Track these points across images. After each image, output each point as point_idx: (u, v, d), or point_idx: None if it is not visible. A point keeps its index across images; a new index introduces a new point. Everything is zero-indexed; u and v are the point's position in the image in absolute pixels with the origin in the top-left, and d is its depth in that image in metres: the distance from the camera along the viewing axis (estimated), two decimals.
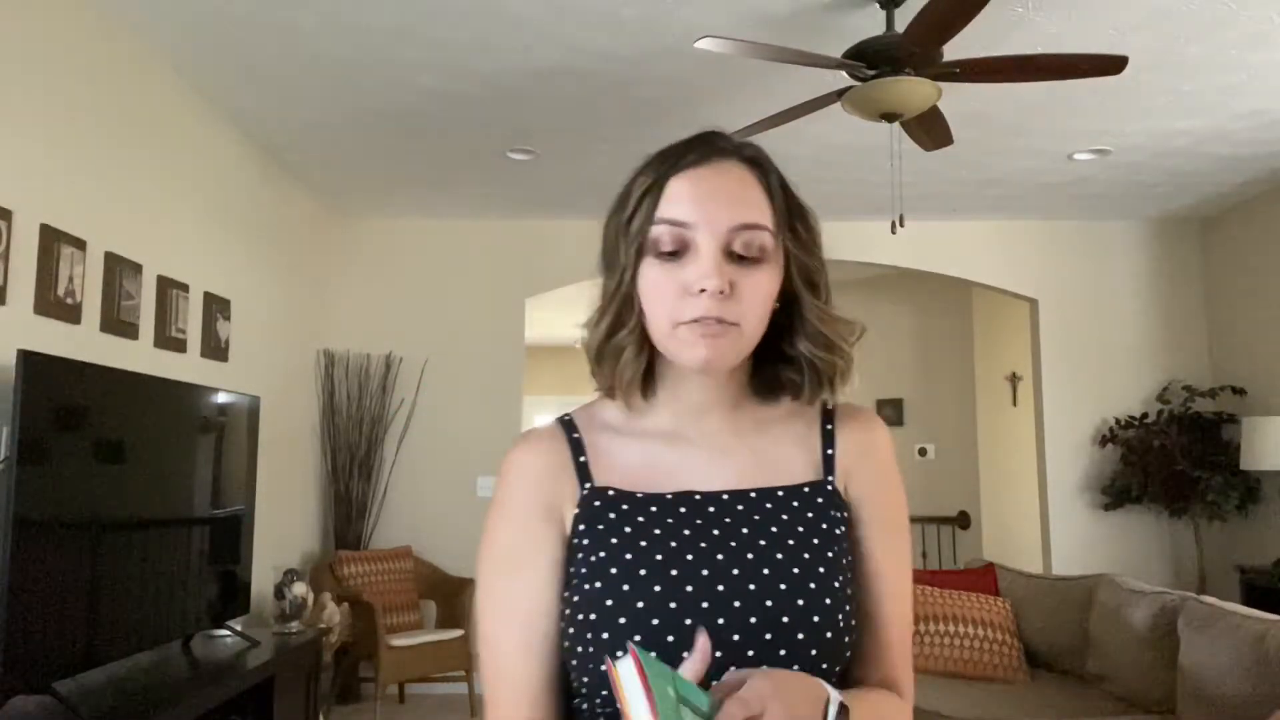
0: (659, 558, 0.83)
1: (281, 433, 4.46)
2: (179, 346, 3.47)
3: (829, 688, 0.75)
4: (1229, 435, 5.04)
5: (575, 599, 0.83)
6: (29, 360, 2.23)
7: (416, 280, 5.43)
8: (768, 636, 0.80)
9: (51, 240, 2.69)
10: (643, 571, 0.82)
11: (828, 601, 0.82)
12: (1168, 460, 5.02)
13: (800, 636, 0.80)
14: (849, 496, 0.91)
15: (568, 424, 0.94)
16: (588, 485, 0.89)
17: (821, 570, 0.84)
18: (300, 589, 3.69)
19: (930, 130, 3.17)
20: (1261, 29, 3.11)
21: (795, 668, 0.78)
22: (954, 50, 2.71)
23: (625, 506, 0.87)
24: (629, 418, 0.93)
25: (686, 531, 0.85)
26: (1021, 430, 6.12)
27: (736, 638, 0.80)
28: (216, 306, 3.79)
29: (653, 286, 0.85)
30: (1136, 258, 5.58)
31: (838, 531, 0.88)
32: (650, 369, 0.90)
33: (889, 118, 2.81)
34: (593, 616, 0.81)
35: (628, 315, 0.86)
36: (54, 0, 2.78)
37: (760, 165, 0.89)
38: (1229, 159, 4.45)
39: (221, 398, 3.38)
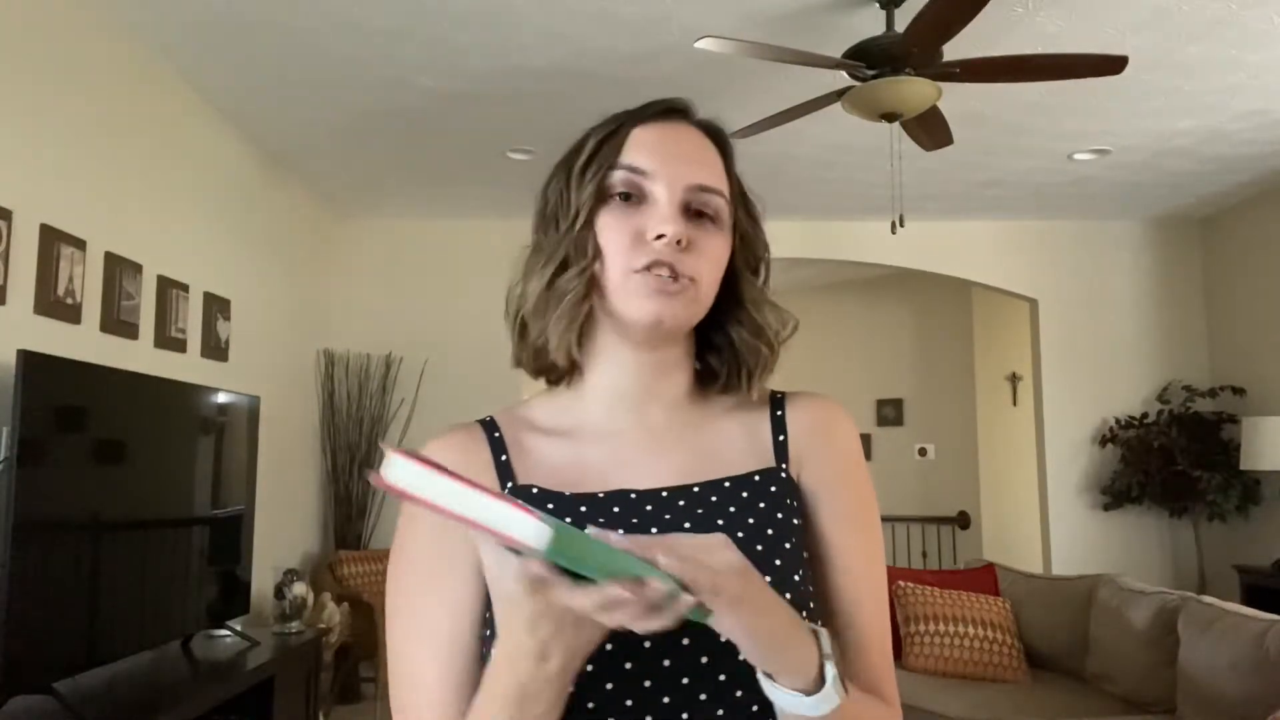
0: None
1: (281, 433, 4.46)
2: (179, 346, 3.46)
3: (823, 641, 0.67)
4: (1229, 435, 5.03)
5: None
6: (29, 360, 2.23)
7: (416, 280, 5.43)
8: (723, 639, 0.68)
9: (51, 240, 2.69)
10: None
11: (787, 596, 0.71)
12: (1168, 460, 5.02)
13: None
14: (803, 484, 0.83)
15: (488, 423, 0.85)
16: (509, 485, 0.80)
17: (778, 563, 0.76)
18: (300, 589, 3.68)
19: (930, 130, 3.17)
20: (1261, 29, 3.11)
21: (741, 657, 0.70)
22: (954, 50, 2.71)
23: (551, 506, 0.77)
24: (557, 414, 0.85)
25: (621, 532, 0.74)
26: (1021, 430, 6.12)
27: (686, 641, 0.72)
28: (216, 306, 3.79)
29: (608, 230, 0.79)
30: (1136, 258, 5.58)
31: (795, 521, 0.80)
32: (588, 347, 0.82)
33: (889, 118, 2.81)
34: None
35: (577, 258, 0.79)
36: (54, 0, 2.78)
37: (720, 141, 0.87)
38: (1229, 159, 4.45)
39: (221, 398, 3.38)
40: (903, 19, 2.72)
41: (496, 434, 0.84)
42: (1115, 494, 5.26)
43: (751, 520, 0.78)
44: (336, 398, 5.15)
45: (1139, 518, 5.36)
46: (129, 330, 3.12)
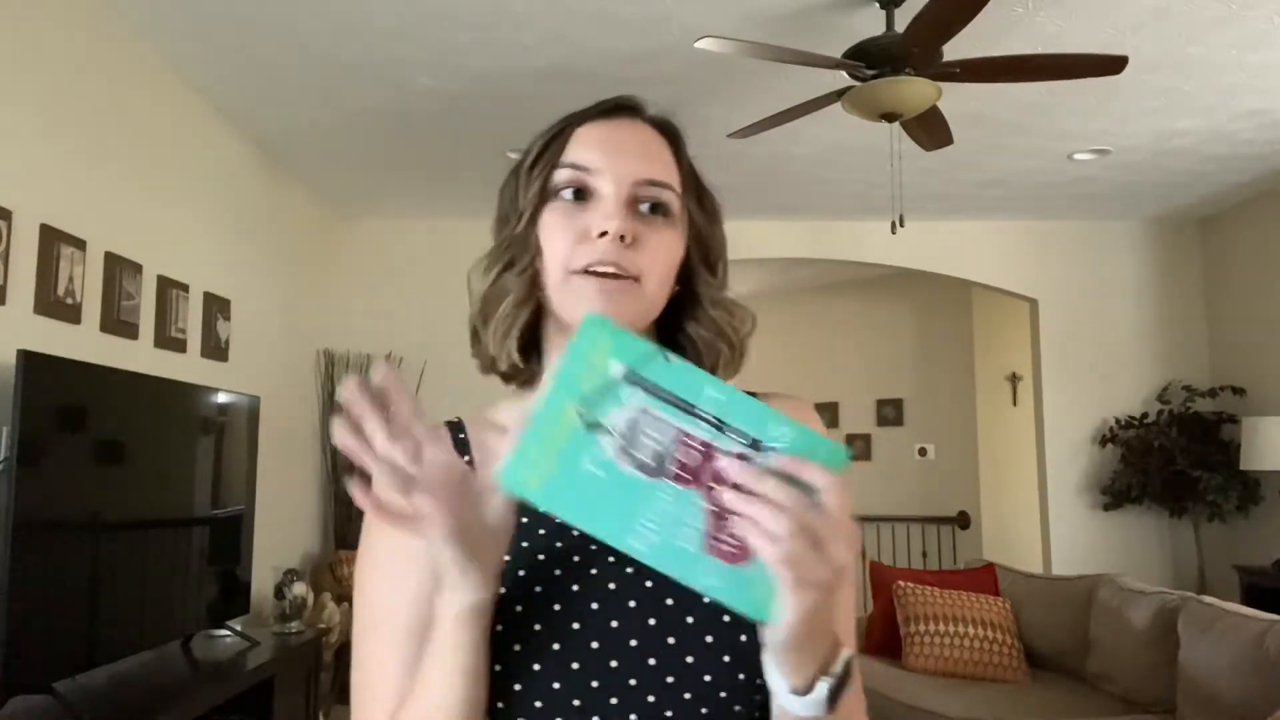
0: (558, 573, 0.75)
1: (281, 433, 4.46)
2: (179, 346, 3.46)
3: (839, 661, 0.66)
4: (1229, 435, 5.03)
5: None
6: (29, 360, 2.23)
7: (416, 280, 5.43)
8: (689, 621, 0.72)
9: (51, 240, 2.69)
10: (538, 588, 0.74)
11: None
12: (1168, 460, 5.02)
13: (725, 620, 0.73)
14: None
15: (454, 424, 0.85)
16: None
17: None
18: (300, 589, 3.68)
19: (930, 130, 3.17)
20: (1261, 29, 3.11)
21: (726, 659, 0.72)
22: (954, 50, 2.71)
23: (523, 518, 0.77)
24: (521, 415, 0.84)
25: (575, 532, 0.73)
26: (1021, 430, 6.12)
27: (653, 621, 0.73)
28: (216, 306, 3.79)
29: (550, 229, 0.77)
30: (1136, 258, 5.58)
31: None
32: (538, 348, 0.82)
33: (889, 118, 2.81)
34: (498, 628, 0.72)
35: (520, 257, 0.78)
36: (54, 1, 2.78)
37: (672, 135, 0.85)
38: (1229, 159, 4.45)
39: (221, 398, 3.38)
40: (903, 19, 2.72)
41: (462, 435, 0.84)
42: (1115, 494, 5.26)
43: None
44: (336, 398, 5.14)
45: (1139, 518, 5.36)
46: (129, 330, 3.11)
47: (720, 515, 0.56)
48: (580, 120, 0.82)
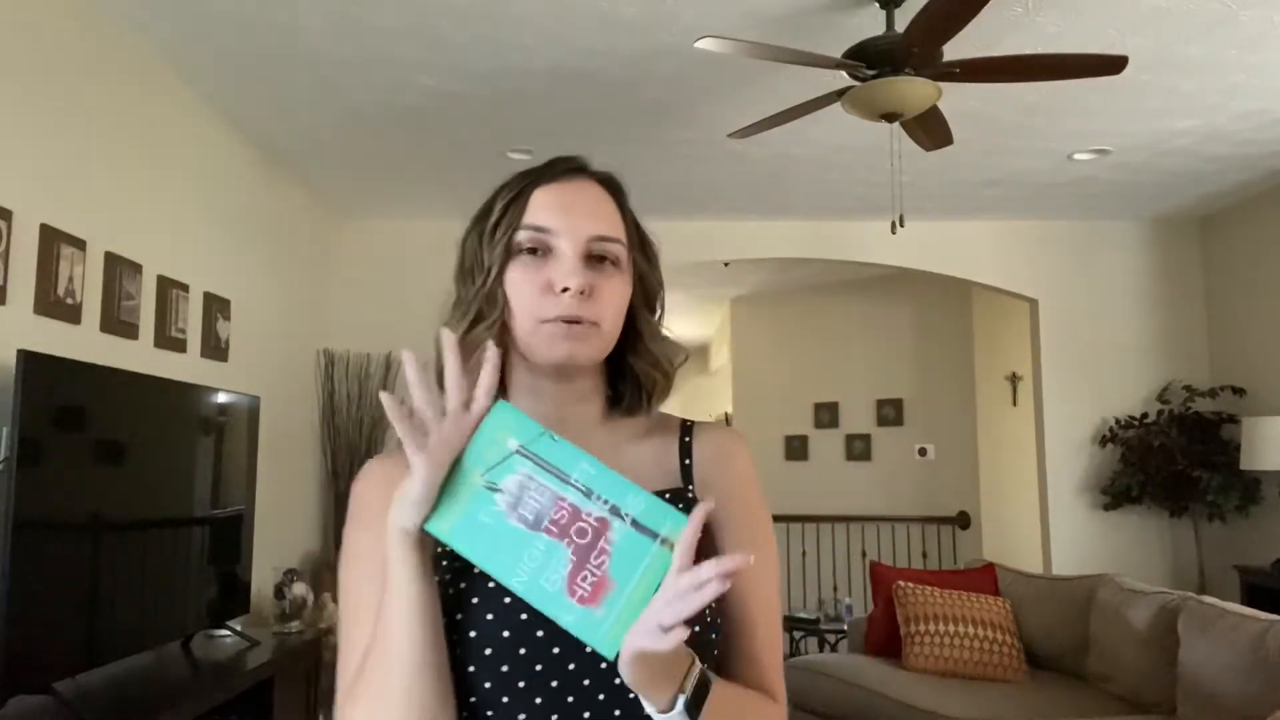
0: (507, 600, 0.84)
1: (281, 433, 4.46)
2: (179, 346, 3.47)
3: (690, 677, 0.75)
4: (1229, 435, 5.03)
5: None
6: (29, 360, 2.23)
7: (416, 280, 5.42)
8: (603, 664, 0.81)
9: (51, 240, 2.69)
10: (508, 599, 0.83)
11: None
12: (1168, 460, 5.02)
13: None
14: None
15: None
16: None
17: None
18: (300, 589, 3.69)
19: (930, 130, 3.17)
20: (1261, 29, 3.11)
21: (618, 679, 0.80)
22: (954, 50, 2.71)
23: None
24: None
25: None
26: (1021, 430, 6.12)
27: (590, 648, 0.81)
28: (216, 306, 3.79)
29: (517, 285, 0.88)
30: (1136, 258, 5.58)
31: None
32: (503, 382, 0.92)
33: (889, 118, 2.81)
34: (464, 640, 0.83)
35: (489, 312, 0.89)
36: (54, 1, 2.78)
37: (614, 189, 0.97)
38: (1229, 159, 4.45)
39: (221, 398, 3.38)
40: (903, 19, 2.72)
41: None
42: (1115, 494, 5.26)
43: None
44: (336, 398, 5.15)
45: (1139, 518, 5.36)
46: (129, 330, 3.12)
47: (580, 565, 0.70)
48: (537, 182, 0.92)
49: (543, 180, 0.92)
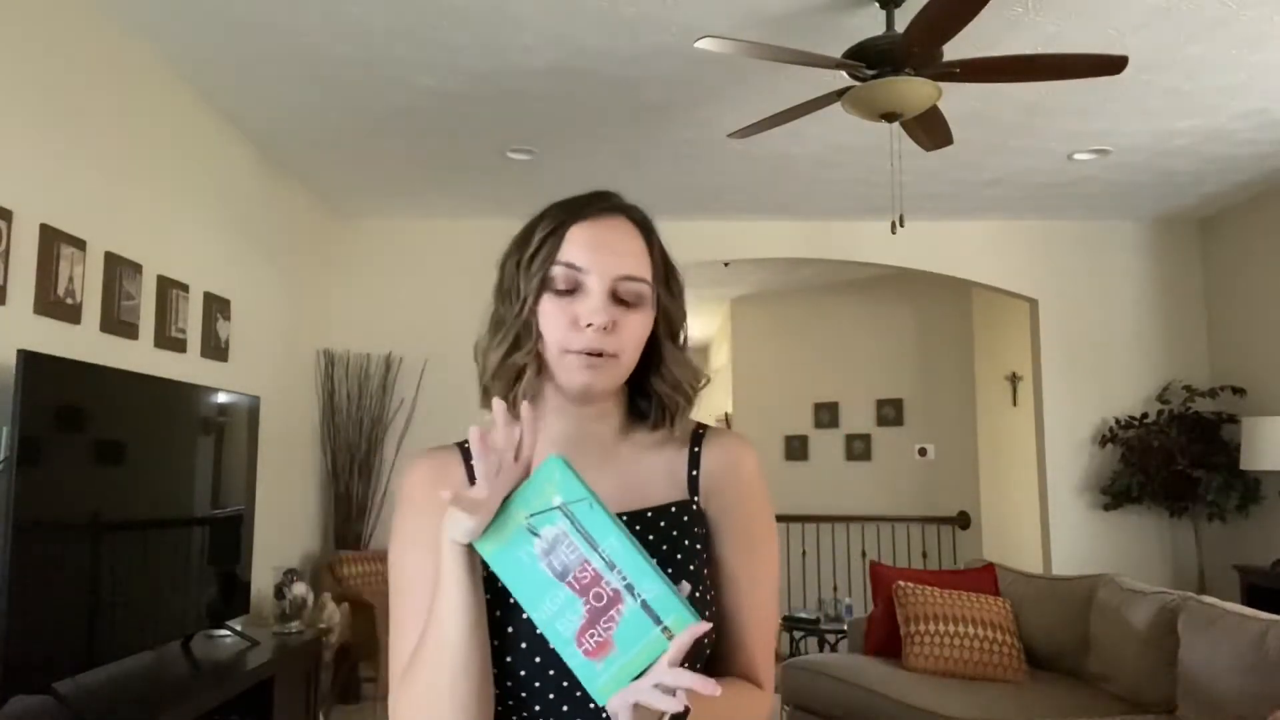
0: (524, 617, 0.91)
1: (281, 433, 4.46)
2: (179, 346, 3.47)
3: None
4: (1229, 435, 5.03)
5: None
6: (29, 360, 2.23)
7: (416, 280, 5.43)
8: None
9: (51, 240, 2.69)
10: (509, 628, 0.93)
11: None
12: (1168, 460, 5.02)
13: None
14: (710, 513, 1.02)
15: (464, 448, 1.04)
16: None
17: (684, 582, 0.93)
18: (300, 589, 3.68)
19: (930, 130, 3.17)
20: (1261, 29, 3.11)
21: None
22: (954, 50, 2.71)
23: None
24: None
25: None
26: (1021, 430, 6.12)
27: None
28: (216, 306, 3.79)
29: (548, 317, 0.97)
30: (1136, 258, 5.58)
31: (698, 546, 0.99)
32: (536, 399, 1.01)
33: (889, 118, 2.81)
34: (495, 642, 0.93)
35: (525, 339, 0.98)
36: (54, 1, 2.78)
37: (645, 227, 1.03)
38: (1229, 159, 4.45)
39: (221, 398, 3.38)
40: (903, 19, 2.72)
41: (471, 461, 1.00)
42: (1115, 494, 5.26)
43: (666, 546, 0.98)
44: (336, 398, 5.15)
45: (1139, 518, 5.36)
46: (129, 330, 3.12)
47: (591, 623, 0.80)
48: (573, 219, 1.00)
49: (580, 217, 1.00)
